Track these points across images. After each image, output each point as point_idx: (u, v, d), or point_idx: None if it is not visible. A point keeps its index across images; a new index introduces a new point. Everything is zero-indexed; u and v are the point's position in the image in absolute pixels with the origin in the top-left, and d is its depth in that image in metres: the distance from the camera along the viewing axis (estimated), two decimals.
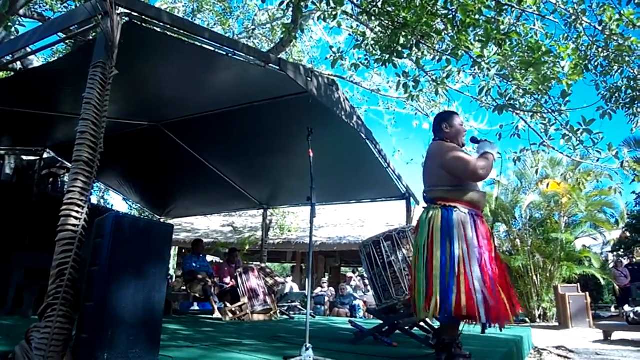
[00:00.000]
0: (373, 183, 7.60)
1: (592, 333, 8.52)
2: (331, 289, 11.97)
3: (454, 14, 4.51)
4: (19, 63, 7.42)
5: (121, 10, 2.81)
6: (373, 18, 5.12)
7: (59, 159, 7.89)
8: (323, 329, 5.89)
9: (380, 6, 4.81)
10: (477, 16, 4.30)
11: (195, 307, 9.13)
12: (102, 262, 2.30)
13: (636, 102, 5.38)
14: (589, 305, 10.20)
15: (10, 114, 5.39)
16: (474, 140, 3.09)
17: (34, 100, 5.24)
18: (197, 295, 7.61)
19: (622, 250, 16.07)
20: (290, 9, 6.12)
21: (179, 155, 7.20)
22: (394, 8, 4.70)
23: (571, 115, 5.43)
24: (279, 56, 4.91)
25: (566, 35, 5.18)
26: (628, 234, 15.61)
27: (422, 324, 4.44)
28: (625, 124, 5.69)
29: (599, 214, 12.56)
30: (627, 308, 7.56)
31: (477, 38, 4.56)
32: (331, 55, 5.68)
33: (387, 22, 4.87)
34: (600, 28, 4.88)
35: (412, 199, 7.69)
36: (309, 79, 4.43)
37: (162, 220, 9.34)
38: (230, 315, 6.50)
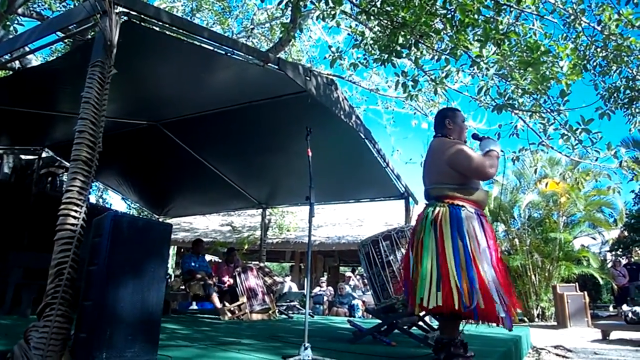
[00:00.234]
0: (372, 182, 7.60)
1: (591, 332, 8.53)
2: (330, 288, 11.97)
3: (452, 13, 4.51)
4: (17, 62, 7.42)
5: (120, 9, 2.81)
6: (372, 17, 5.13)
7: (58, 158, 7.87)
8: (322, 328, 5.89)
9: (379, 6, 4.82)
10: (475, 16, 4.30)
11: (194, 306, 9.13)
12: (100, 261, 2.30)
13: (634, 102, 5.39)
14: (588, 304, 10.21)
15: (9, 113, 5.38)
16: (475, 137, 3.08)
17: (32, 99, 5.23)
18: (199, 294, 7.61)
19: (620, 250, 16.08)
20: (289, 9, 6.11)
21: (177, 155, 7.20)
22: (392, 7, 4.70)
23: (570, 115, 5.44)
24: (277, 55, 4.91)
25: (565, 35, 5.18)
26: (626, 234, 15.63)
27: (420, 323, 4.45)
28: (623, 124, 5.71)
29: (598, 214, 12.57)
30: (625, 307, 7.57)
31: (475, 38, 4.57)
32: (330, 55, 5.68)
33: (385, 21, 4.87)
34: (599, 28, 4.89)
35: (410, 199, 7.69)
36: (308, 79, 4.43)
37: (160, 220, 9.34)
38: (229, 314, 6.50)
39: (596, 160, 5.61)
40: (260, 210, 9.85)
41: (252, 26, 11.39)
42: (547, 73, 4.49)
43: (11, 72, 7.50)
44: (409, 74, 5.59)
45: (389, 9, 4.73)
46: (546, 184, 11.55)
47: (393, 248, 4.07)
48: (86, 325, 2.27)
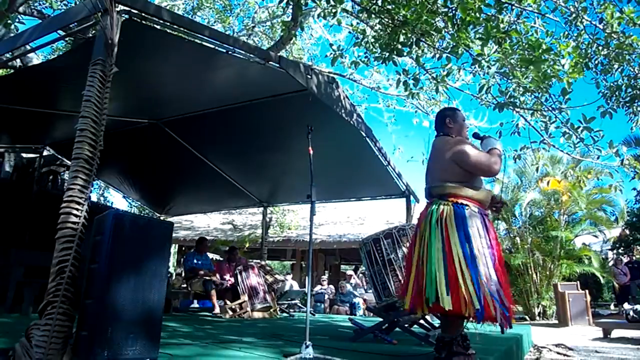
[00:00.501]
0: (373, 181, 7.60)
1: (592, 331, 8.54)
2: (331, 286, 11.97)
3: (454, 11, 4.50)
4: (18, 60, 7.42)
5: (121, 7, 2.81)
6: (373, 16, 5.12)
7: (59, 156, 7.88)
8: (323, 326, 5.89)
9: (380, 4, 4.81)
10: (477, 14, 4.29)
11: (195, 304, 9.14)
12: (102, 259, 2.30)
13: (636, 101, 5.38)
14: (589, 303, 10.22)
15: (10, 112, 5.39)
16: (476, 136, 3.09)
17: (33, 97, 5.23)
18: (199, 292, 7.62)
19: (622, 248, 16.09)
20: (290, 7, 6.11)
21: (179, 153, 7.20)
22: (393, 6, 4.69)
23: (571, 113, 5.42)
24: (279, 54, 4.90)
25: (566, 33, 5.16)
26: (628, 232, 15.63)
27: (422, 321, 4.45)
28: (625, 122, 5.69)
29: (599, 212, 12.56)
30: (626, 306, 7.58)
31: (477, 36, 4.55)
32: (331, 53, 5.68)
33: (387, 19, 4.86)
34: (600, 26, 4.87)
35: (412, 197, 7.69)
36: (309, 77, 4.42)
37: (162, 218, 9.35)
38: (230, 313, 6.51)
39: (598, 158, 5.60)
40: (261, 209, 9.86)
41: (253, 24, 11.37)
42: (549, 71, 4.47)
43: (12, 71, 7.50)
44: (410, 72, 5.58)
45: (390, 7, 4.72)
46: (548, 182, 11.53)
47: (394, 246, 4.07)
48: (88, 323, 2.27)
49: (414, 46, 4.91)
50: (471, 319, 2.60)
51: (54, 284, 2.32)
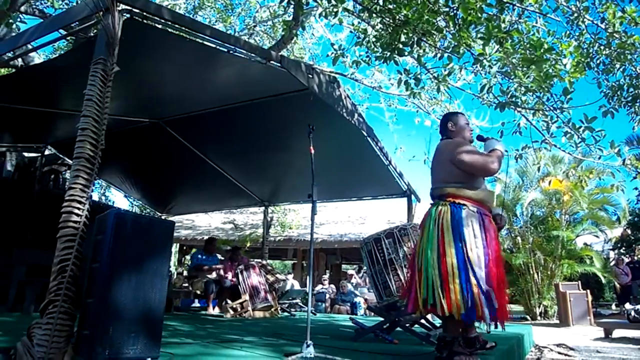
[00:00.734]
0: (374, 180, 7.60)
1: (593, 331, 8.53)
2: (332, 286, 11.98)
3: (455, 11, 4.49)
4: (20, 60, 7.42)
5: (122, 6, 2.81)
6: (374, 15, 5.11)
7: (61, 155, 7.90)
8: (324, 326, 5.90)
9: (381, 3, 4.80)
10: (478, 14, 4.28)
11: (197, 304, 9.15)
12: (103, 259, 2.30)
13: (638, 100, 5.37)
14: (590, 303, 10.21)
15: (12, 111, 5.39)
16: (480, 138, 3.13)
17: (35, 97, 5.24)
18: (200, 292, 7.62)
19: (623, 248, 16.06)
20: (292, 6, 6.10)
21: (180, 153, 7.21)
22: (395, 5, 4.69)
23: (573, 113, 5.41)
24: (280, 53, 4.89)
25: (568, 32, 5.16)
26: (629, 232, 15.61)
27: (423, 321, 4.45)
28: (627, 122, 5.68)
29: (601, 212, 12.55)
30: (628, 306, 7.57)
31: (478, 35, 4.55)
32: (332, 53, 5.67)
33: (388, 19, 4.86)
34: (602, 25, 4.86)
35: (413, 197, 7.68)
36: (310, 76, 4.42)
37: (163, 217, 9.36)
38: (231, 312, 6.51)
39: (599, 158, 5.59)
40: (262, 208, 9.86)
41: (254, 24, 11.37)
42: (550, 71, 4.47)
43: (14, 70, 7.51)
44: (412, 72, 5.57)
45: (391, 6, 4.72)
46: (549, 182, 11.54)
47: (395, 246, 4.07)
48: (89, 322, 2.27)
49: (415, 46, 4.90)
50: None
51: (56, 283, 2.33)
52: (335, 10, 4.62)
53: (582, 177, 7.33)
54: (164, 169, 8.14)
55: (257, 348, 3.22)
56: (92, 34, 4.45)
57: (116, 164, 7.88)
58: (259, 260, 8.15)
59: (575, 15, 4.94)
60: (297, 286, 11.40)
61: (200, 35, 3.49)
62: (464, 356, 2.62)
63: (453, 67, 5.61)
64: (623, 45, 4.84)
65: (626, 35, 4.80)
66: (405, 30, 4.69)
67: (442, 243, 2.63)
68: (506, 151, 3.00)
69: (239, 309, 6.53)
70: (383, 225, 10.43)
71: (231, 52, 3.74)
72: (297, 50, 11.53)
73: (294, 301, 8.45)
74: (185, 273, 13.59)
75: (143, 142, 6.94)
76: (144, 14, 3.04)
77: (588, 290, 10.32)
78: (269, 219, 10.23)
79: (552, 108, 5.47)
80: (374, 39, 5.38)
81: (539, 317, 11.44)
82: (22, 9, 7.50)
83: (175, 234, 3.93)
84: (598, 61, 5.38)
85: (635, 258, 14.57)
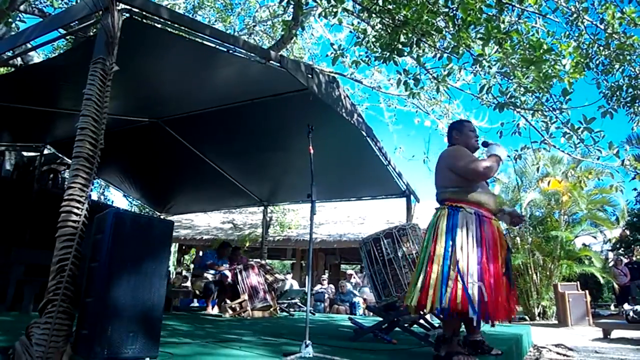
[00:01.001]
0: (373, 180, 7.60)
1: (592, 331, 8.53)
2: (331, 286, 11.97)
3: (454, 12, 4.50)
4: (19, 59, 7.42)
5: (122, 6, 2.81)
6: (374, 15, 5.11)
7: (60, 155, 7.89)
8: (323, 326, 5.90)
9: (380, 4, 4.80)
10: (477, 14, 4.29)
11: (196, 303, 9.15)
12: (102, 258, 2.30)
13: (637, 101, 5.37)
14: (589, 303, 10.21)
15: (11, 110, 5.39)
16: (484, 144, 3.18)
17: (34, 96, 5.23)
18: (199, 292, 7.62)
19: (622, 249, 16.08)
20: (291, 6, 6.10)
21: (179, 152, 7.21)
22: (394, 6, 4.69)
23: (572, 114, 5.43)
24: (279, 53, 4.89)
25: (567, 33, 5.16)
26: (628, 232, 15.62)
27: (421, 321, 4.45)
28: (626, 122, 5.69)
29: (600, 212, 12.55)
30: (626, 306, 7.57)
31: (478, 36, 4.55)
32: (332, 53, 5.67)
33: (387, 19, 4.86)
34: (602, 26, 4.87)
35: (412, 197, 7.68)
36: (310, 76, 4.42)
37: (162, 217, 9.36)
38: (230, 312, 6.51)
39: (598, 158, 5.59)
40: (261, 208, 9.85)
41: (253, 24, 11.37)
42: (550, 71, 4.47)
43: (13, 69, 7.51)
44: (411, 72, 5.58)
45: (390, 7, 4.72)
46: (548, 182, 11.54)
47: (394, 246, 4.08)
48: (88, 321, 2.27)
49: (414, 46, 4.91)
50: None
51: (54, 283, 2.32)
52: (334, 10, 4.62)
53: (581, 177, 7.33)
54: (163, 168, 8.14)
55: (255, 348, 3.22)
56: (91, 34, 4.45)
57: (115, 164, 7.88)
58: (258, 260, 8.14)
59: (575, 15, 4.95)
60: (296, 286, 11.41)
61: (200, 34, 3.49)
62: (462, 355, 2.63)
63: (452, 68, 5.61)
64: (622, 46, 4.85)
65: (625, 35, 4.81)
66: (404, 31, 4.70)
67: (435, 243, 2.75)
68: (508, 156, 3.07)
69: (238, 309, 6.53)
70: (382, 225, 10.44)
71: (230, 51, 3.73)
72: (296, 50, 11.53)
73: (293, 301, 8.45)
74: (184, 273, 13.60)
75: (142, 142, 6.94)
76: (144, 13, 3.04)
77: (587, 291, 10.33)
78: (268, 219, 10.22)
79: (551, 108, 5.47)
80: (373, 39, 5.38)
81: (537, 318, 11.45)
82: (22, 8, 7.50)
83: (174, 234, 3.93)
84: (597, 62, 5.39)
85: (634, 259, 14.59)
